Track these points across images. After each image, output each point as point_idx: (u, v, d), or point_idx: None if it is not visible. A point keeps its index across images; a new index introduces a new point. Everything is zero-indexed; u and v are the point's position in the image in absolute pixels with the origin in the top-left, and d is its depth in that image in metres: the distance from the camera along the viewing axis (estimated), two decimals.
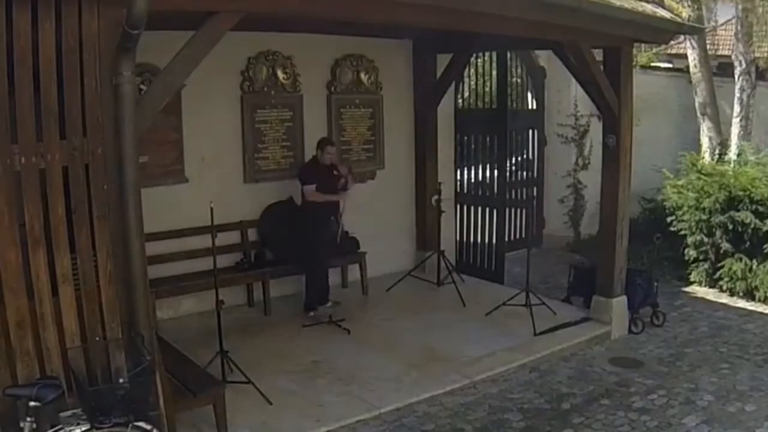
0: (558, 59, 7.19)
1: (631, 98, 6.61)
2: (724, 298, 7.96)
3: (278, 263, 7.13)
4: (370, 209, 7.79)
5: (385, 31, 7.26)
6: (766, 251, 7.59)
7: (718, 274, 8.11)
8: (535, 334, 6.39)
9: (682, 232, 8.34)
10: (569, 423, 5.01)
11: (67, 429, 3.36)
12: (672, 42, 9.50)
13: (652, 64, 12.44)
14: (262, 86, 7.13)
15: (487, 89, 9.11)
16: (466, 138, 8.99)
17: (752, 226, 7.67)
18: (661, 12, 6.30)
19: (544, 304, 6.89)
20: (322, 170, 6.78)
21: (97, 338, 3.71)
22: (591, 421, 5.04)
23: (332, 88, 7.70)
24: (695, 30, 8.22)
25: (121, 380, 3.58)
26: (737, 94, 9.73)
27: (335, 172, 6.86)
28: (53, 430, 3.34)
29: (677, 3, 6.87)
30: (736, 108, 9.73)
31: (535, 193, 10.16)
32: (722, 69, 10.88)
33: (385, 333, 6.54)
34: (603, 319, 6.73)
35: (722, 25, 13.62)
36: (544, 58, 9.73)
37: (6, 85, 3.37)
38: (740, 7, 9.71)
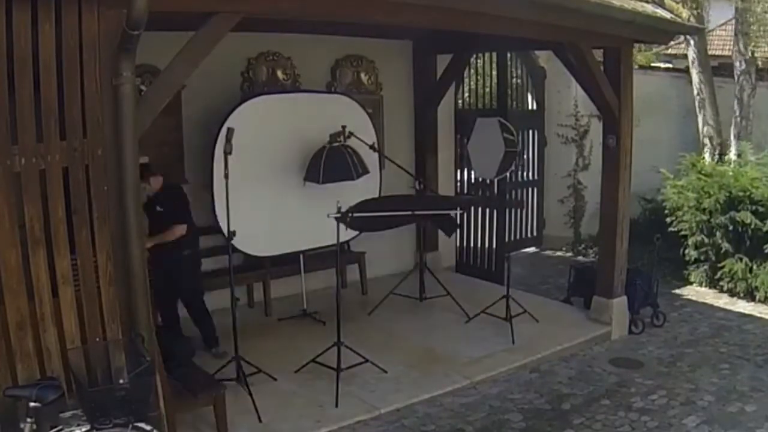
0: (558, 60, 7.18)
1: (631, 99, 6.61)
2: (725, 299, 7.95)
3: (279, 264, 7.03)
4: None
5: (385, 31, 7.25)
6: (766, 252, 7.58)
7: (718, 274, 8.09)
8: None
9: (683, 233, 8.33)
10: (569, 423, 5.01)
11: (67, 430, 3.36)
12: (672, 42, 9.49)
13: (653, 65, 12.41)
14: (262, 87, 7.11)
15: (487, 90, 9.10)
16: (466, 139, 8.98)
17: (752, 226, 7.66)
18: (662, 12, 6.30)
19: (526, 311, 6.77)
20: None
21: (97, 339, 3.71)
22: (591, 421, 5.04)
23: (332, 89, 7.68)
24: (695, 30, 8.22)
25: (121, 381, 3.57)
26: (737, 94, 9.72)
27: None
28: (53, 431, 3.34)
29: (677, 3, 6.86)
30: (736, 108, 9.73)
31: (535, 194, 10.16)
32: (722, 69, 10.86)
33: (385, 333, 6.54)
34: (603, 320, 6.74)
35: (722, 25, 13.61)
36: (544, 58, 9.72)
37: (6, 86, 3.37)
38: (739, 6, 9.71)
